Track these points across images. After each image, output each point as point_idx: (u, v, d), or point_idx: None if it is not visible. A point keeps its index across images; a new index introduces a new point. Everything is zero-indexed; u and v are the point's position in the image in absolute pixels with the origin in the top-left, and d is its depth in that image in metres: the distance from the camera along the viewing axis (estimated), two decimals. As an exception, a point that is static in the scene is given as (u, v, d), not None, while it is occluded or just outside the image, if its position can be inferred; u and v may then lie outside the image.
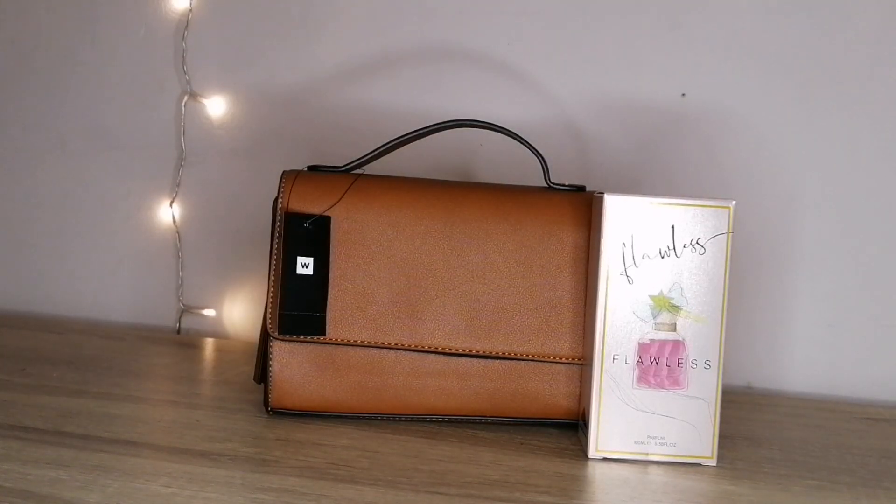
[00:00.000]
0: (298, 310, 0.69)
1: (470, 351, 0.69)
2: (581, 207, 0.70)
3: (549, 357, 0.69)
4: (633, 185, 0.93)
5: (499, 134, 0.76)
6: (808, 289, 0.91)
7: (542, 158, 0.74)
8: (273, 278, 0.70)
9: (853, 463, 0.68)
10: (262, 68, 1.03)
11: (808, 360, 0.92)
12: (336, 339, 0.69)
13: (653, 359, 0.63)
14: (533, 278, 0.70)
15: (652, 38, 0.93)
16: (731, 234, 0.63)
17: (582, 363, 0.69)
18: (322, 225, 0.70)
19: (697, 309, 0.63)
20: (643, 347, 0.63)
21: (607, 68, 0.94)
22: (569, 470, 0.62)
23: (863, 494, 0.61)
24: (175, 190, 1.05)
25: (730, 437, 0.71)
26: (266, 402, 0.70)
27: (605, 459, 0.64)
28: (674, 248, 0.63)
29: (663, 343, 0.63)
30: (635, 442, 0.64)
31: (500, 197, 0.72)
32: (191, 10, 1.03)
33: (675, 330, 0.63)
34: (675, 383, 0.63)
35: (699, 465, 0.64)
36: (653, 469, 0.63)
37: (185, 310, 1.06)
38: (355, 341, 0.69)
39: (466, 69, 0.97)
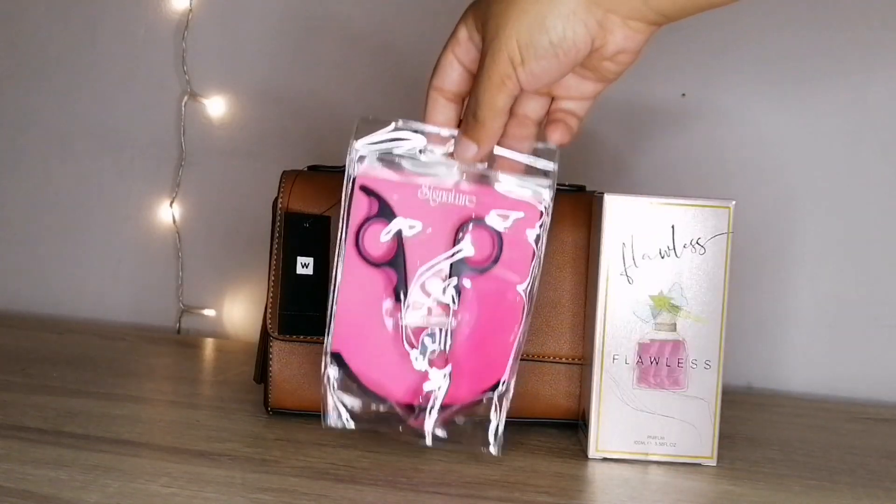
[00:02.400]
0: (298, 310, 0.69)
1: (470, 351, 0.69)
2: (581, 207, 0.70)
3: (549, 357, 0.69)
4: (633, 185, 0.93)
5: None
6: (808, 289, 0.91)
7: (542, 158, 0.74)
8: (273, 278, 0.70)
9: (853, 463, 0.68)
10: (262, 68, 1.03)
11: (808, 360, 0.92)
12: (336, 339, 0.69)
13: (653, 359, 0.63)
14: (533, 278, 0.70)
15: (652, 37, 0.93)
16: (731, 234, 0.63)
17: (582, 363, 0.69)
18: (322, 225, 0.70)
19: (697, 309, 0.63)
20: (643, 347, 0.63)
21: (607, 68, 0.94)
22: (569, 470, 0.62)
23: (863, 494, 0.61)
24: (175, 190, 1.05)
25: (730, 437, 0.71)
26: (266, 402, 0.70)
27: (605, 459, 0.64)
28: (674, 248, 0.63)
29: (663, 343, 0.63)
30: (635, 442, 0.64)
31: (500, 197, 0.72)
32: (191, 10, 1.03)
33: (675, 330, 0.63)
34: (675, 383, 0.63)
35: (699, 465, 0.64)
36: (653, 469, 0.63)
37: (185, 310, 1.06)
38: (355, 341, 0.69)
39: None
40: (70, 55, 1.07)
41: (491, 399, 0.60)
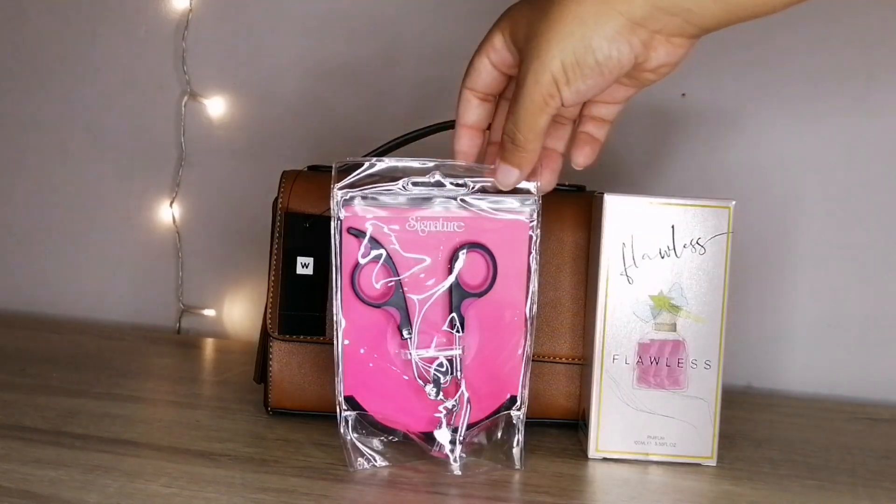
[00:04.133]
0: (298, 310, 0.69)
1: (470, 351, 0.69)
2: (581, 207, 0.70)
3: (548, 357, 0.69)
4: (633, 185, 0.93)
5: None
6: (807, 289, 0.91)
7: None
8: (273, 278, 0.70)
9: (853, 463, 0.68)
10: (262, 68, 1.03)
11: (808, 360, 0.92)
12: (336, 339, 0.69)
13: (653, 359, 0.63)
14: (533, 278, 0.70)
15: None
16: (731, 234, 0.63)
17: (582, 363, 0.69)
18: (322, 225, 0.70)
19: (697, 309, 0.63)
20: (643, 347, 0.63)
21: (607, 68, 0.93)
22: (569, 470, 0.62)
23: (863, 494, 0.61)
24: (175, 190, 1.05)
25: (730, 437, 0.71)
26: (266, 402, 0.70)
27: (605, 459, 0.64)
28: (674, 248, 0.63)
29: (663, 343, 0.63)
30: (635, 442, 0.64)
31: (500, 197, 0.72)
32: (191, 10, 1.03)
33: (675, 330, 0.63)
34: (675, 383, 0.63)
35: (699, 465, 0.64)
36: (653, 469, 0.63)
37: (185, 310, 1.06)
38: (355, 341, 0.69)
39: (466, 69, 0.97)
40: (70, 55, 1.07)
41: (507, 416, 0.62)
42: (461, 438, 0.61)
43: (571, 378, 0.70)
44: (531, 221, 0.61)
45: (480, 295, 0.61)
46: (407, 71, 0.99)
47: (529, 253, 0.61)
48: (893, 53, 0.88)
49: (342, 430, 0.60)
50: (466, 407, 0.61)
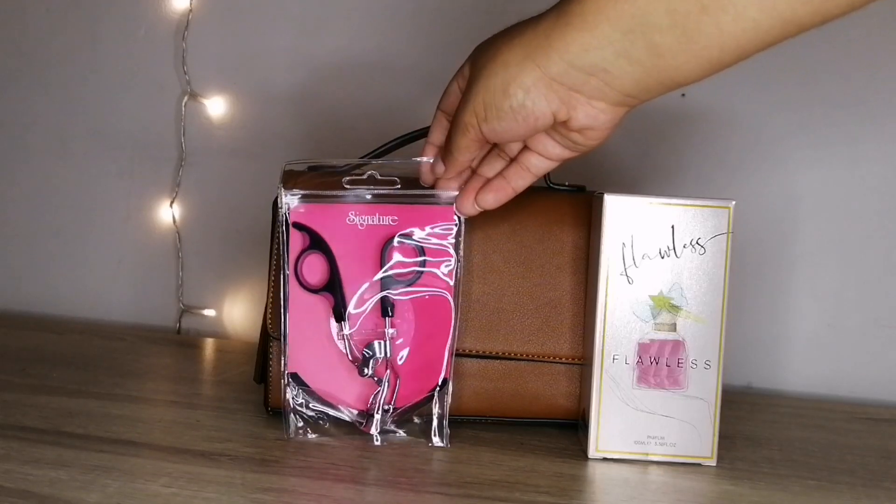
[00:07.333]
0: (298, 310, 0.69)
1: (470, 351, 0.69)
2: (581, 207, 0.70)
3: (548, 357, 0.69)
4: (633, 185, 0.93)
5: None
6: (808, 289, 0.91)
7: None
8: (273, 278, 0.70)
9: (853, 463, 0.68)
10: (262, 68, 1.03)
11: (808, 360, 0.92)
12: (336, 339, 0.70)
13: (653, 359, 0.63)
14: (533, 278, 0.70)
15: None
16: (731, 234, 0.63)
17: (582, 363, 0.69)
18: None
19: (697, 309, 0.63)
20: (643, 347, 0.63)
21: (607, 68, 0.93)
22: (569, 470, 0.62)
23: (863, 494, 0.61)
24: (175, 190, 1.05)
25: (730, 437, 0.71)
26: (266, 402, 0.70)
27: (605, 459, 0.64)
28: (674, 248, 0.63)
29: (663, 343, 0.63)
30: (635, 442, 0.64)
31: (500, 197, 0.72)
32: (191, 10, 1.03)
33: (675, 330, 0.63)
34: (675, 383, 0.63)
35: (699, 465, 0.64)
36: (653, 469, 0.63)
37: (185, 310, 1.06)
38: (355, 341, 0.70)
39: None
40: (70, 55, 1.07)
41: (436, 398, 0.66)
42: (386, 413, 0.65)
43: (571, 378, 0.70)
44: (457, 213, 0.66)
45: (410, 283, 0.66)
46: (407, 70, 0.99)
47: (456, 243, 0.66)
48: (893, 53, 0.88)
49: (284, 400, 0.65)
50: (384, 385, 0.65)
